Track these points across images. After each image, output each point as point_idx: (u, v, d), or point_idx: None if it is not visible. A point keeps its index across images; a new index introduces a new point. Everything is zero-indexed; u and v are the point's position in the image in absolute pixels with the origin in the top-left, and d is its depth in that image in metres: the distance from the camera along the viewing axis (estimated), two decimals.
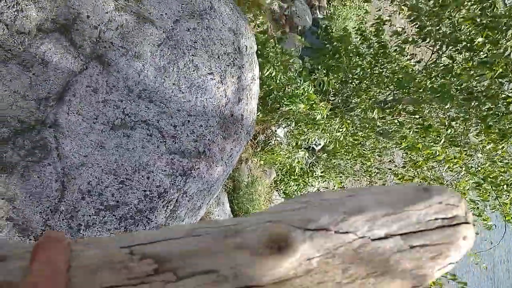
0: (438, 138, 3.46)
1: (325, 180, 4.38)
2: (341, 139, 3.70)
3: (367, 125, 3.67)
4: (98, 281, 0.46)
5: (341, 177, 4.33)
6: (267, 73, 3.21)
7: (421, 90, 3.44)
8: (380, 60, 3.70)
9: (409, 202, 0.57)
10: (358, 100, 3.74)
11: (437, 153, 3.41)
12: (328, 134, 3.63)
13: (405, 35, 3.45)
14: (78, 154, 1.63)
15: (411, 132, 3.63)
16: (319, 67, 4.12)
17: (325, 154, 4.42)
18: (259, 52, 2.91)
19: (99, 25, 1.75)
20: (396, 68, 3.63)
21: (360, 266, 0.53)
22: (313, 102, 3.28)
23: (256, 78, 2.46)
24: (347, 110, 3.72)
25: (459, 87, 3.25)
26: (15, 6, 1.55)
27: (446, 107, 3.31)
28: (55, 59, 1.63)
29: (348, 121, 3.61)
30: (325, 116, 3.35)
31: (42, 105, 1.57)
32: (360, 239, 0.53)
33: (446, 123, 3.50)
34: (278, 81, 3.25)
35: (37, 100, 1.56)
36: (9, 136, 1.49)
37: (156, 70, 1.89)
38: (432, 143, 3.54)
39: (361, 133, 3.87)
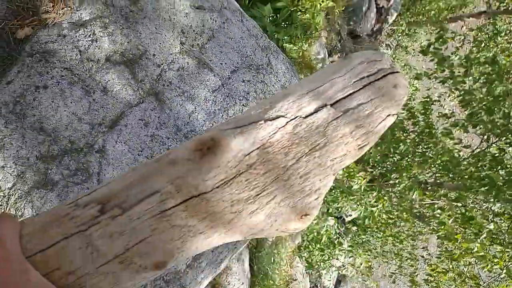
0: (480, 232, 3.22)
1: (352, 256, 4.13)
2: (375, 214, 3.53)
3: (404, 205, 3.49)
4: (49, 237, 0.47)
5: (369, 255, 4.07)
6: None
7: (466, 177, 3.28)
8: (425, 140, 3.62)
9: (330, 74, 0.57)
10: (398, 176, 3.62)
11: (476, 249, 3.15)
12: (362, 207, 3.48)
13: (454, 118, 3.38)
14: None
15: (450, 220, 3.41)
16: None
17: (355, 227, 4.21)
18: None
19: (162, 64, 1.83)
20: (441, 150, 3.52)
21: (300, 145, 0.53)
22: (352, 170, 3.20)
23: None
24: (386, 186, 3.58)
25: (507, 181, 3.07)
26: (91, 36, 1.66)
27: (492, 200, 3.12)
28: (116, 89, 1.69)
29: (385, 197, 3.46)
30: (362, 187, 3.23)
31: (95, 130, 1.61)
32: (292, 120, 0.53)
33: (490, 218, 3.28)
34: None
35: (91, 125, 1.60)
36: (58, 154, 1.51)
37: (206, 114, 1.92)
38: (472, 237, 3.29)
39: (397, 212, 3.67)
